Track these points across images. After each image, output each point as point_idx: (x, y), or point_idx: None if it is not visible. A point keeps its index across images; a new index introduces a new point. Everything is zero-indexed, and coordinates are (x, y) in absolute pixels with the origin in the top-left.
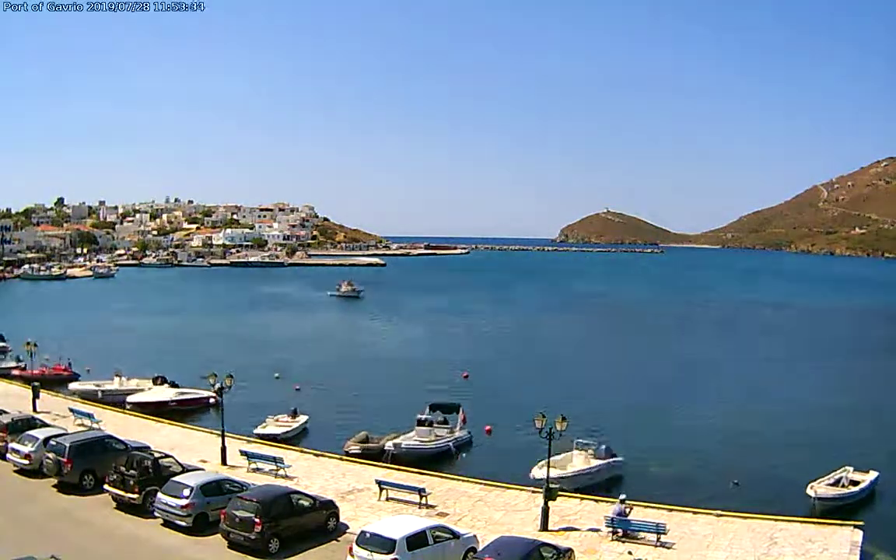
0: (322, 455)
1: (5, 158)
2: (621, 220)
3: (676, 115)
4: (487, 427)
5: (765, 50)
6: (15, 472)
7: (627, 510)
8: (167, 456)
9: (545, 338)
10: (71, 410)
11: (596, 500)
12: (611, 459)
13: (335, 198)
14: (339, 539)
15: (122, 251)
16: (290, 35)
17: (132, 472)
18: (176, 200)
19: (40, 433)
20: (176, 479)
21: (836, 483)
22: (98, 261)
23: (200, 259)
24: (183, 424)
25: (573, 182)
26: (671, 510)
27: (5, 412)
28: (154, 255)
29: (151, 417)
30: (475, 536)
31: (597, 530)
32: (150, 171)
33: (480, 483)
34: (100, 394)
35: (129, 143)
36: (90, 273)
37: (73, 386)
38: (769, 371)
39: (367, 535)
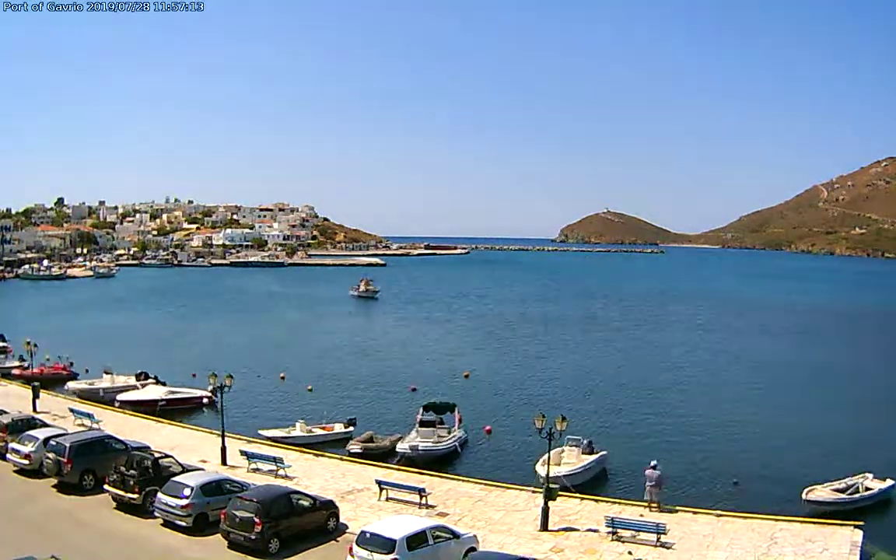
0: (322, 455)
1: (5, 158)
2: (621, 220)
3: (677, 114)
4: (487, 427)
5: (765, 50)
6: (15, 472)
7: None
8: (167, 456)
9: (545, 337)
10: (71, 410)
11: (596, 500)
12: (599, 455)
13: (335, 198)
14: (338, 539)
15: (122, 251)
16: (289, 35)
17: (132, 472)
18: (176, 200)
19: (40, 433)
20: (176, 479)
21: (847, 489)
22: (98, 261)
23: (200, 259)
24: (183, 424)
25: (573, 182)
26: (671, 510)
27: (5, 412)
28: (154, 255)
29: (141, 415)
30: (475, 536)
31: (596, 531)
32: (150, 171)
33: (480, 483)
34: (101, 392)
35: (129, 143)
36: (90, 273)
37: (69, 385)
38: (769, 371)
39: (367, 535)
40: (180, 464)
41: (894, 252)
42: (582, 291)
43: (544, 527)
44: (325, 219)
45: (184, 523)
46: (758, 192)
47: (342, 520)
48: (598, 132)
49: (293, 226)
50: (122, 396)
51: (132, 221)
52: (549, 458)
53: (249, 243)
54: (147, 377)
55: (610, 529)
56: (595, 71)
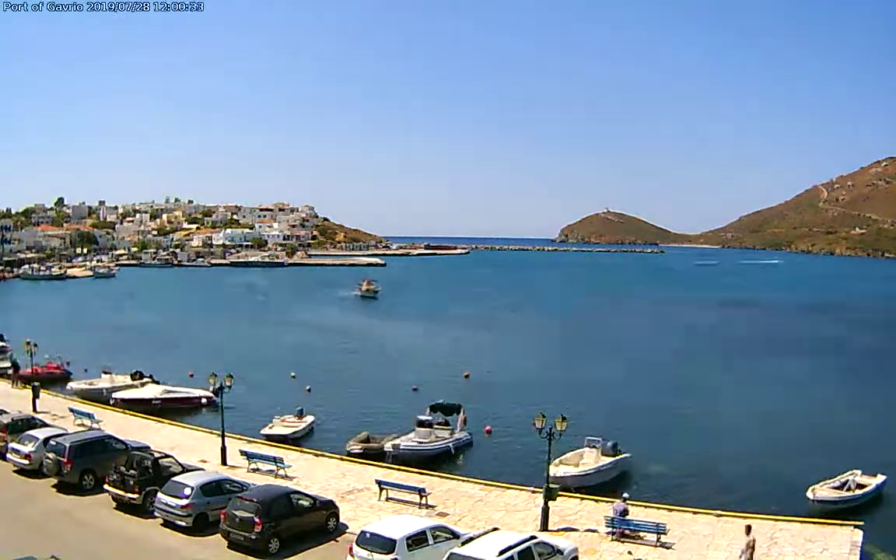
0: (322, 455)
1: (5, 158)
2: (621, 220)
3: (677, 114)
4: (488, 427)
5: (765, 50)
6: (15, 472)
7: (626, 509)
8: (167, 456)
9: (546, 337)
10: (71, 410)
11: (596, 500)
12: (619, 457)
13: (335, 198)
14: (338, 539)
15: (122, 251)
16: (289, 35)
17: (132, 472)
18: (176, 200)
19: (40, 433)
20: (176, 479)
21: (842, 486)
22: (98, 261)
23: (200, 259)
24: (183, 424)
25: (573, 182)
26: (671, 510)
27: (5, 412)
28: (154, 254)
29: (141, 415)
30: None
31: (595, 531)
32: (150, 171)
33: (480, 483)
34: (102, 392)
35: (129, 143)
36: (90, 273)
37: (69, 385)
38: (769, 371)
39: (367, 535)
40: (180, 464)
41: (894, 252)
42: (583, 291)
43: (544, 527)
44: (325, 219)
45: (184, 523)
46: (758, 192)
47: (342, 520)
48: (599, 132)
49: (293, 226)
50: (117, 394)
51: (132, 221)
52: (549, 458)
53: (249, 243)
54: (142, 376)
55: (610, 529)
56: (595, 71)
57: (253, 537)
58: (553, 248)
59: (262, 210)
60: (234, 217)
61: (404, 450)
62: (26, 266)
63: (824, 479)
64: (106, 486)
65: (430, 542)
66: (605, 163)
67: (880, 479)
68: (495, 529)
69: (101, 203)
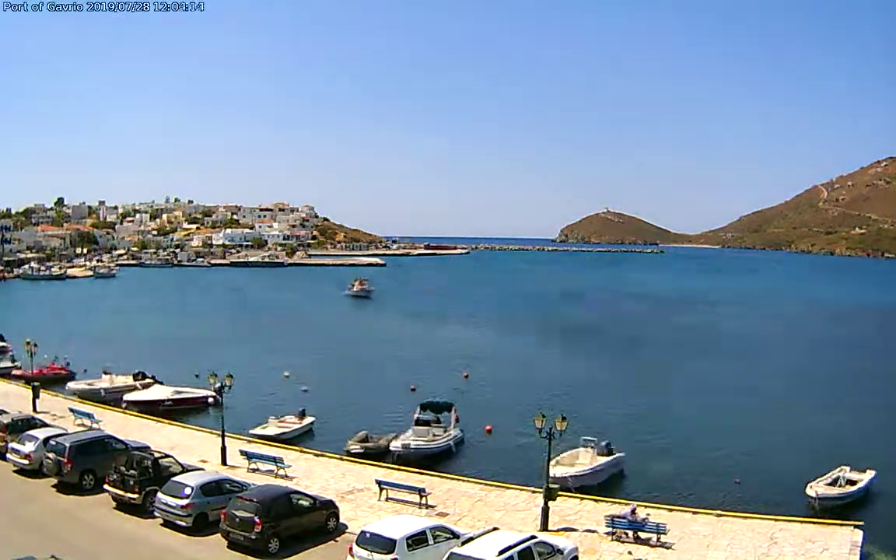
0: (322, 455)
1: (5, 158)
2: (621, 220)
3: (677, 114)
4: (488, 427)
5: (765, 50)
6: (15, 472)
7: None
8: (167, 456)
9: (545, 337)
10: (71, 410)
11: (596, 500)
12: (614, 456)
13: (335, 198)
14: (338, 539)
15: (122, 251)
16: (289, 35)
17: (132, 472)
18: (176, 200)
19: (40, 433)
20: (176, 479)
21: (834, 483)
22: (98, 261)
23: (200, 259)
24: (183, 424)
25: (573, 182)
26: (671, 510)
27: (5, 412)
28: (154, 254)
29: (142, 415)
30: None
31: (595, 531)
32: (150, 171)
33: (480, 483)
34: (103, 392)
35: (129, 143)
36: (90, 273)
37: (69, 385)
38: (769, 370)
39: (367, 535)
40: (180, 464)
41: (894, 252)
42: (582, 291)
43: (544, 527)
44: (325, 219)
45: (184, 523)
46: (758, 192)
47: (342, 520)
48: (599, 132)
49: (293, 226)
50: (128, 396)
51: (132, 221)
52: (548, 458)
53: (249, 243)
54: (144, 377)
55: (610, 529)
56: (595, 70)
57: (253, 537)
58: (553, 248)
59: (262, 210)
60: (234, 217)
61: (415, 448)
62: (26, 266)
63: (816, 477)
64: (106, 486)
65: (430, 542)
66: (606, 163)
67: (870, 474)
68: (495, 529)
69: (101, 203)
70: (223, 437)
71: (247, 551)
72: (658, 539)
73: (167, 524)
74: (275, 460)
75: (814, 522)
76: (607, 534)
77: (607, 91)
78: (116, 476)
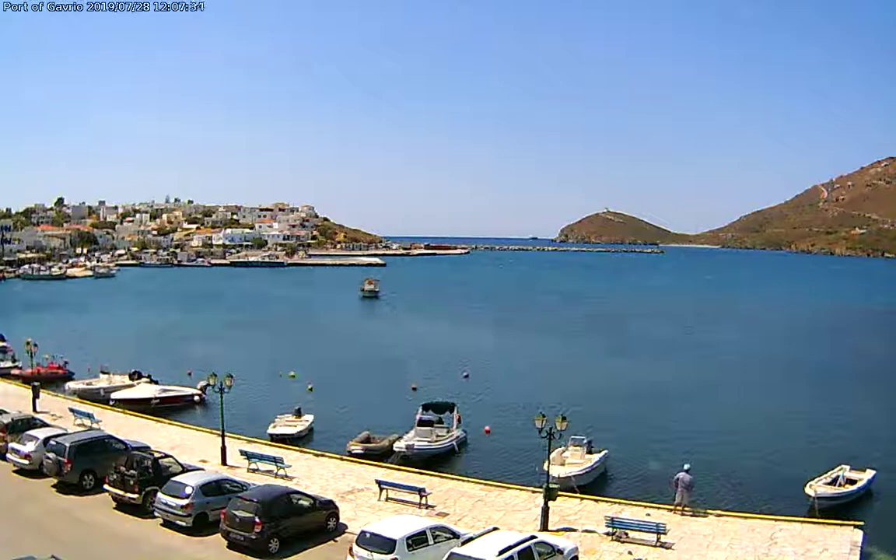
0: (322, 455)
1: (5, 158)
2: (621, 220)
3: (677, 114)
4: (487, 427)
5: (765, 50)
6: (15, 472)
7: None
8: (167, 456)
9: (545, 337)
10: (71, 410)
11: (596, 500)
12: (601, 454)
13: (335, 198)
14: (338, 539)
15: (122, 251)
16: (289, 35)
17: (132, 472)
18: (176, 200)
19: (40, 433)
20: (176, 479)
21: (834, 482)
22: (98, 261)
23: (200, 259)
24: (183, 424)
25: (573, 182)
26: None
27: (5, 412)
28: (154, 254)
29: (141, 415)
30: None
31: (595, 531)
32: (150, 171)
33: (480, 483)
34: (101, 392)
35: (129, 142)
36: (90, 273)
37: (68, 385)
38: (768, 370)
39: (367, 535)
40: (180, 464)
41: (894, 252)
42: (582, 290)
43: (544, 527)
44: (325, 219)
45: (184, 523)
46: (758, 192)
47: (342, 520)
48: (599, 132)
49: (293, 226)
50: (116, 395)
51: (132, 221)
52: (548, 458)
53: (249, 243)
54: (140, 376)
55: (610, 529)
56: (595, 71)
57: (253, 537)
58: (553, 248)
59: (262, 210)
60: (234, 217)
61: (418, 449)
62: (26, 266)
63: (815, 476)
64: (106, 486)
65: (430, 542)
66: (606, 163)
67: (870, 473)
68: (495, 529)
69: (101, 203)
70: (223, 437)
71: (247, 551)
72: (658, 539)
73: (167, 524)
74: (275, 460)
75: (814, 522)
76: (607, 534)
77: (607, 91)
78: (116, 476)
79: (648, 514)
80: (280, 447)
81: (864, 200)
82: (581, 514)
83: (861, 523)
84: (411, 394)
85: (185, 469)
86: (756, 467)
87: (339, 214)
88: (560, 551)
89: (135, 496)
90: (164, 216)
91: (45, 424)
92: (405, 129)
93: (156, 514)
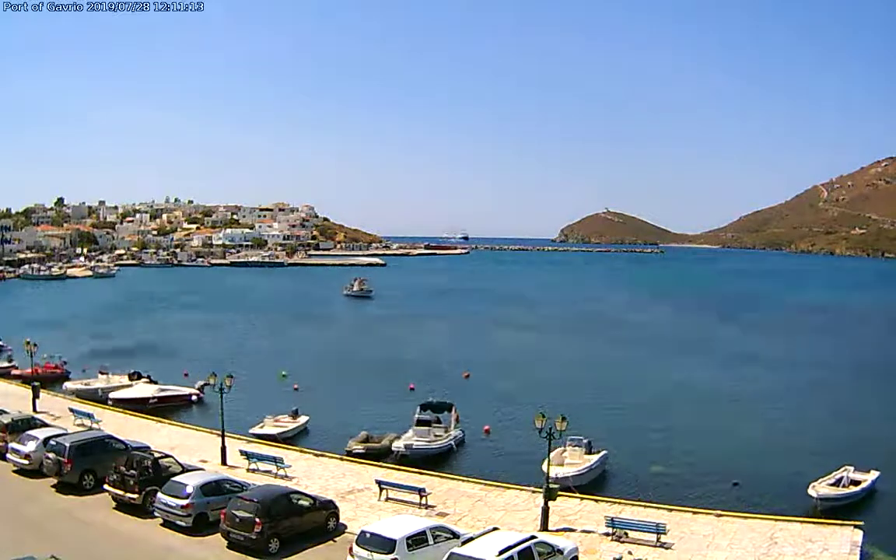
0: (322, 455)
1: (5, 158)
2: (621, 220)
3: (676, 114)
4: (486, 427)
5: (765, 50)
6: (15, 472)
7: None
8: (167, 456)
9: (545, 337)
10: (71, 410)
11: (596, 500)
12: (601, 454)
13: (335, 198)
14: (338, 539)
15: (122, 251)
16: (289, 35)
17: (132, 472)
18: (176, 200)
19: (40, 433)
20: (176, 479)
21: (837, 483)
22: (98, 261)
23: (200, 259)
24: (183, 424)
25: (573, 182)
26: (671, 510)
27: (5, 412)
28: (154, 254)
29: (140, 415)
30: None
31: (594, 531)
32: (150, 171)
33: (480, 483)
34: (100, 392)
35: (129, 143)
36: (90, 273)
37: (67, 385)
38: (768, 370)
39: (367, 535)
40: (180, 464)
41: (894, 252)
42: (580, 290)
43: (544, 527)
44: (325, 219)
45: (184, 523)
46: (758, 192)
47: (342, 520)
48: (599, 132)
49: (293, 226)
50: (114, 394)
51: (132, 221)
52: (548, 458)
53: (249, 243)
54: (139, 376)
55: (610, 529)
56: (595, 71)
57: (253, 537)
58: (553, 248)
59: (262, 210)
60: (234, 217)
61: (416, 449)
62: (26, 266)
63: (819, 477)
64: (106, 486)
65: (430, 541)
66: (606, 163)
67: (874, 474)
68: (495, 529)
69: (101, 203)
70: (223, 437)
71: (247, 551)
72: (658, 539)
73: (167, 524)
74: (275, 460)
75: (814, 522)
76: (607, 534)
77: (608, 91)
78: (116, 476)
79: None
80: (280, 447)
81: (864, 200)
82: (581, 514)
83: (861, 523)
84: (410, 393)
85: (185, 469)
86: (756, 467)
87: (339, 214)
88: (560, 551)
89: (135, 496)
90: (164, 216)
91: (45, 424)
92: (405, 129)
93: (156, 514)
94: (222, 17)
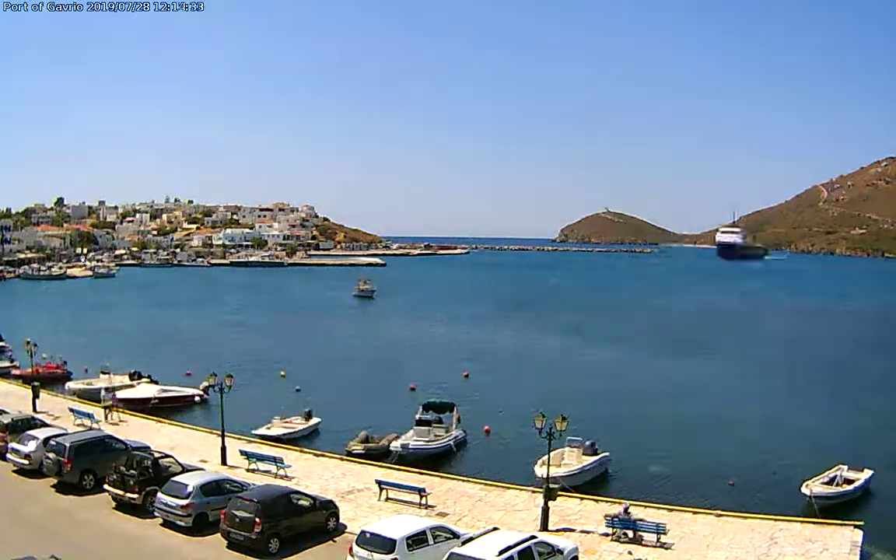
0: (322, 455)
1: (5, 158)
2: (621, 220)
3: (676, 114)
4: (486, 427)
5: (765, 50)
6: (15, 472)
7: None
8: (167, 456)
9: (545, 338)
10: (71, 410)
11: (596, 500)
12: (600, 456)
13: (335, 198)
14: (338, 539)
15: (123, 251)
16: (289, 35)
17: (132, 472)
18: (176, 200)
19: (40, 433)
20: (176, 479)
21: (831, 482)
22: (98, 261)
23: (200, 259)
24: (183, 424)
25: (573, 182)
26: (671, 510)
27: (5, 412)
28: (154, 254)
29: (140, 415)
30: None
31: (594, 531)
32: (150, 171)
33: (480, 483)
34: (103, 392)
35: (129, 143)
36: (90, 273)
37: (67, 385)
38: (768, 371)
39: (367, 535)
40: (180, 464)
41: (894, 252)
42: (580, 290)
43: (544, 527)
44: (325, 219)
45: (183, 523)
46: (758, 192)
47: (342, 520)
48: (599, 132)
49: (293, 226)
50: (117, 394)
51: (132, 221)
52: (548, 458)
53: (249, 243)
54: (140, 377)
55: (610, 529)
56: (595, 71)
57: (253, 537)
58: (553, 248)
59: (262, 210)
60: (234, 217)
61: (414, 449)
62: (26, 266)
63: (813, 476)
64: (106, 486)
65: (430, 542)
66: (605, 162)
67: (867, 473)
68: (495, 529)
69: (101, 203)
70: (223, 437)
71: (247, 551)
72: (658, 539)
73: (167, 524)
74: (275, 460)
75: (814, 522)
76: (607, 534)
77: (607, 91)
78: (116, 476)
79: (642, 518)
80: (280, 447)
81: (864, 200)
82: (581, 514)
83: (861, 523)
84: (410, 393)
85: (185, 469)
86: (756, 467)
87: (339, 214)
88: (560, 551)
89: (135, 496)
90: (164, 216)
91: (45, 424)
92: (406, 129)
93: (156, 514)
94: (222, 17)
